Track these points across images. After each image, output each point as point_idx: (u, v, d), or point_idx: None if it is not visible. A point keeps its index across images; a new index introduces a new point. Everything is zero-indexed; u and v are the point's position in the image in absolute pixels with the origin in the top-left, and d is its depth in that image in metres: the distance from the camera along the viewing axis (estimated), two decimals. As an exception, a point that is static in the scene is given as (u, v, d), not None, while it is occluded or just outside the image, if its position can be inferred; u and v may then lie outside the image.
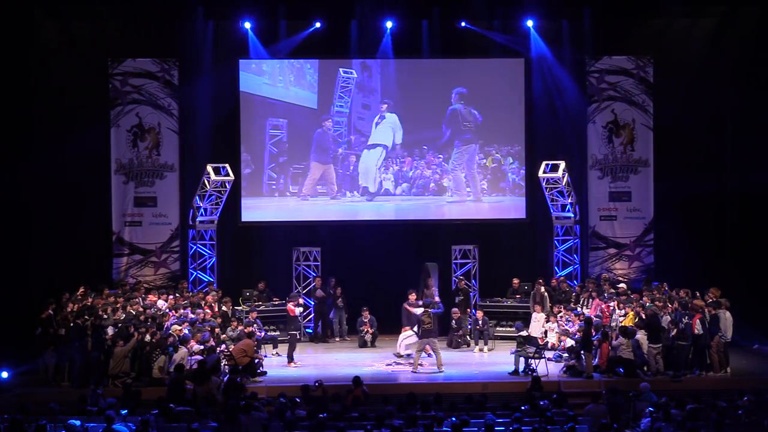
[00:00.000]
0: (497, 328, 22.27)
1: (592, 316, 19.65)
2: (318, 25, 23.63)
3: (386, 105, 24.05)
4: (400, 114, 24.11)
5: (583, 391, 16.93)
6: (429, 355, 19.91)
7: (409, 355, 20.22)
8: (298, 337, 20.97)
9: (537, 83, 24.00)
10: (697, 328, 18.48)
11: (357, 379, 16.41)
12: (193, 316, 19.97)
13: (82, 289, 20.56)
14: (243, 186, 23.81)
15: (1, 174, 21.51)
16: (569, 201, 23.16)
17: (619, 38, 23.91)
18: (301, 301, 21.30)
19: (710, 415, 13.76)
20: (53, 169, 22.84)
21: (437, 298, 21.26)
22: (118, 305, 19.88)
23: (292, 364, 20.02)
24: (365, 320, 22.21)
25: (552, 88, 24.09)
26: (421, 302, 20.55)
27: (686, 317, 18.56)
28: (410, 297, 20.72)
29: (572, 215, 23.33)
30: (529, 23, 23.87)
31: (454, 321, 21.87)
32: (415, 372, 19.13)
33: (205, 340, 18.75)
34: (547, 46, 24.00)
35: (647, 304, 19.43)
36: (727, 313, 18.78)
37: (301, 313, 21.20)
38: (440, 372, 19.11)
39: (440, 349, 19.70)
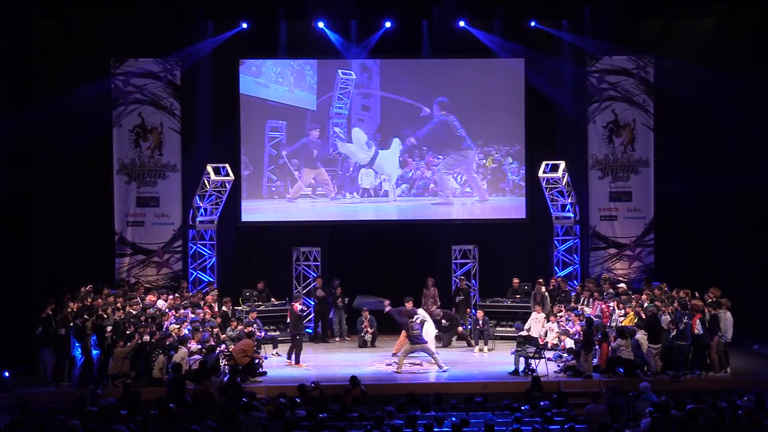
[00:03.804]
0: (497, 328, 22.28)
1: (593, 316, 19.65)
2: (321, 24, 23.65)
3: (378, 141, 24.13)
4: (398, 114, 24.14)
5: (583, 391, 16.93)
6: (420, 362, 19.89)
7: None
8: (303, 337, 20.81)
9: (537, 83, 23.99)
10: (697, 328, 18.48)
11: (354, 379, 16.45)
12: (193, 316, 19.98)
13: (89, 287, 20.50)
14: (243, 188, 23.83)
15: (3, 174, 21.54)
16: (569, 201, 23.16)
17: (620, 38, 23.88)
18: (301, 301, 21.25)
19: (710, 415, 13.75)
20: (55, 168, 22.87)
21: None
22: (119, 305, 19.88)
23: (301, 364, 19.97)
24: (365, 320, 22.22)
25: (552, 88, 24.08)
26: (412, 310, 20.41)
27: (686, 317, 18.56)
28: (407, 304, 20.63)
29: (572, 215, 23.32)
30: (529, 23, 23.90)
31: (444, 320, 21.83)
32: (399, 373, 19.12)
33: (205, 340, 18.77)
34: (547, 45, 24.00)
35: (647, 304, 19.43)
36: (728, 313, 18.78)
37: (302, 311, 21.11)
38: (445, 371, 19.12)
39: (439, 350, 19.69)
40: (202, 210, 23.16)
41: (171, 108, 23.79)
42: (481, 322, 21.61)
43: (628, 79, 24.12)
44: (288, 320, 20.96)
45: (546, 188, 23.02)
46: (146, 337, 18.42)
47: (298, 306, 20.70)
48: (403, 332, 19.96)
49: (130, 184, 23.72)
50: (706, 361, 18.74)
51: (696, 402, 14.46)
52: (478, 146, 24.17)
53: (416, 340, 19.35)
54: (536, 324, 20.56)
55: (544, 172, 22.85)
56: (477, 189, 24.25)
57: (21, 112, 22.09)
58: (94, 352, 18.55)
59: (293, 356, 20.13)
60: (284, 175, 24.10)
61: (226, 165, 22.91)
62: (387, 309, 20.42)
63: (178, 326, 19.08)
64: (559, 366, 19.06)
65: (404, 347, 19.63)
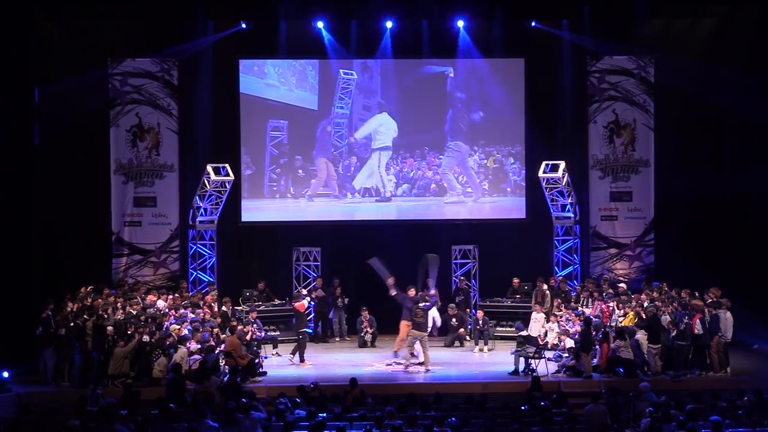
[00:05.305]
0: (497, 328, 22.27)
1: (592, 317, 19.64)
2: (321, 24, 23.64)
3: (378, 105, 24.11)
4: (400, 114, 24.15)
5: (583, 391, 16.91)
6: (416, 354, 19.76)
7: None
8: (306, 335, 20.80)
9: (537, 83, 23.98)
10: (697, 328, 18.48)
11: (353, 381, 16.42)
12: (192, 316, 19.97)
13: (90, 288, 20.47)
14: (244, 188, 23.83)
15: (1, 173, 21.52)
16: (569, 201, 23.15)
17: (620, 38, 23.88)
18: (300, 299, 21.16)
19: (710, 415, 13.74)
20: (53, 167, 22.85)
21: (433, 291, 20.59)
22: (118, 305, 19.87)
23: (305, 363, 20.01)
24: (365, 320, 22.20)
25: (552, 88, 24.07)
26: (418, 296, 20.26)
27: (686, 317, 18.56)
28: (409, 292, 20.59)
29: (572, 215, 23.32)
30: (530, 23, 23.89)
31: (454, 319, 21.91)
32: (406, 370, 19.12)
33: (205, 340, 18.75)
34: (547, 45, 24.00)
35: (647, 304, 19.42)
36: (728, 313, 18.79)
37: (310, 304, 21.06)
38: (428, 371, 19.02)
39: (435, 348, 19.61)
40: (202, 210, 23.15)
41: (168, 108, 23.78)
42: (481, 322, 21.61)
43: (629, 79, 24.13)
44: (294, 319, 20.94)
45: (546, 188, 23.00)
46: (146, 337, 18.42)
47: (305, 303, 20.65)
48: (403, 327, 19.82)
49: (128, 184, 23.70)
50: (706, 361, 18.75)
51: (696, 402, 14.45)
52: (479, 146, 24.17)
53: (420, 328, 19.27)
54: (536, 323, 20.55)
55: (545, 172, 22.84)
56: (473, 186, 24.24)
57: (19, 111, 22.07)
58: (94, 352, 18.54)
59: (297, 354, 20.12)
60: (286, 175, 24.08)
61: (226, 165, 22.90)
62: (393, 292, 20.00)
63: (179, 326, 19.06)
64: (556, 366, 19.03)
65: (408, 338, 19.44)
